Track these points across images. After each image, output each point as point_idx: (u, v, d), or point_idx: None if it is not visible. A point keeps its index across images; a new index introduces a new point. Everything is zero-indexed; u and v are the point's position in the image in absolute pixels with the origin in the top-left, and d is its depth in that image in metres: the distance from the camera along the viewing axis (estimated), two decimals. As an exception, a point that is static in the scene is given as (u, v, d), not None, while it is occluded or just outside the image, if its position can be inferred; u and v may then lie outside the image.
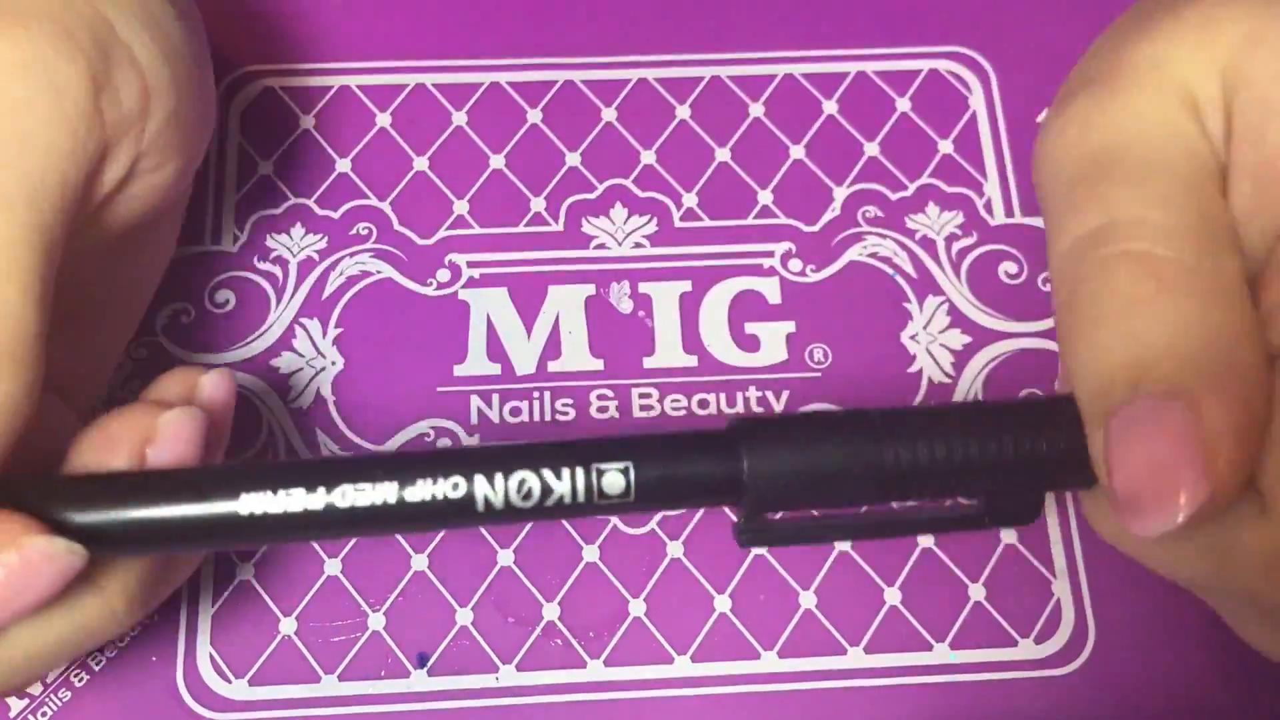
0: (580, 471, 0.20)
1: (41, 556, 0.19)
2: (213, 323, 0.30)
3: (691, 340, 0.31)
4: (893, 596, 0.28)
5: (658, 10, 0.34)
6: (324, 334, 0.30)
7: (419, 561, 0.28)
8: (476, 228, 0.31)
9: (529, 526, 0.29)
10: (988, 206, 0.32)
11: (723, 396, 0.30)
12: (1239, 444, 0.18)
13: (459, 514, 0.20)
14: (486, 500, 0.20)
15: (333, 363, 0.30)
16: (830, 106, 0.33)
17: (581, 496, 0.20)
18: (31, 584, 0.18)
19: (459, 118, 0.33)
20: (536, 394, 0.30)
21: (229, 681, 0.27)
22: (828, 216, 0.32)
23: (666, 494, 0.20)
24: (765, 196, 0.32)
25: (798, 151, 0.33)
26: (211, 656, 0.27)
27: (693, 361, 0.30)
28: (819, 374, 0.30)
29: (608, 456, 0.20)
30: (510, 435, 0.29)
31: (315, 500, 0.19)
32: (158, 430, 0.21)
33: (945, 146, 0.33)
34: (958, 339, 0.31)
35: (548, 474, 0.20)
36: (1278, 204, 0.19)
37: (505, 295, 0.31)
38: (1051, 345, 0.31)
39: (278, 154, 0.32)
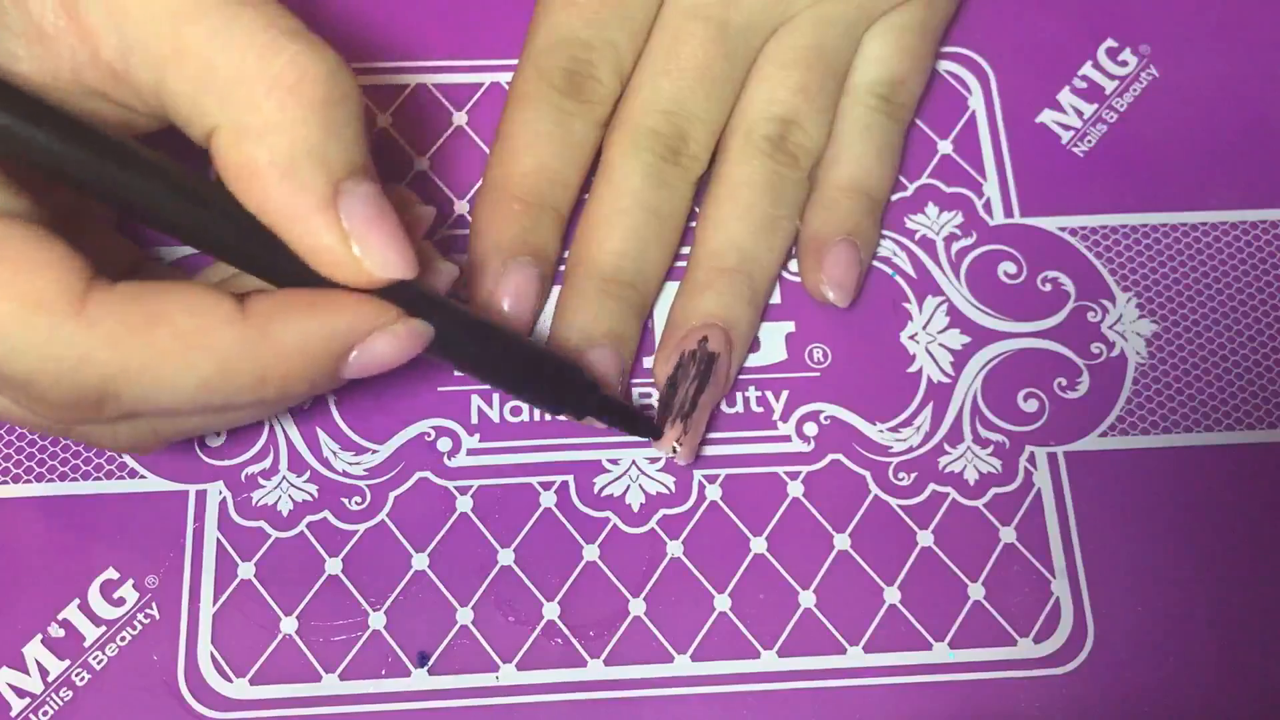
0: None
1: (418, 335, 0.23)
2: (213, 322, 0.30)
3: (691, 340, 0.31)
4: (892, 596, 0.28)
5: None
6: (324, 334, 0.30)
7: (419, 561, 0.28)
8: (477, 227, 0.31)
9: (529, 526, 0.29)
10: (987, 207, 0.32)
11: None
12: None
13: None
14: None
15: (333, 362, 0.30)
16: (830, 106, 0.33)
17: None
18: (405, 352, 0.23)
19: (459, 118, 0.33)
20: (537, 394, 0.30)
21: (230, 680, 0.27)
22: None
23: None
24: (765, 196, 0.32)
25: (797, 151, 0.33)
26: (213, 655, 0.27)
27: (693, 361, 0.30)
28: (819, 373, 0.30)
29: None
30: (510, 435, 0.29)
31: None
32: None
33: (945, 146, 0.33)
34: (957, 339, 0.31)
35: None
36: None
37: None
38: (1051, 345, 0.31)
39: (278, 154, 0.32)
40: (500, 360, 0.25)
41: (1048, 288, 0.31)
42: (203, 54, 0.20)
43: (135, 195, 0.20)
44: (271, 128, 0.21)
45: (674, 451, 0.28)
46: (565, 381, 0.26)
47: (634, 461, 0.29)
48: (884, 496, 0.29)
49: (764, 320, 0.31)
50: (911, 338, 0.31)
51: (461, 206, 0.32)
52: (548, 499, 0.29)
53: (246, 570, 0.28)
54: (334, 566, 0.28)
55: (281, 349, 0.21)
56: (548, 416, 0.30)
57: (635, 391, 0.30)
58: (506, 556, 0.28)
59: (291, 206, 0.21)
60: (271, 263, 0.22)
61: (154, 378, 0.21)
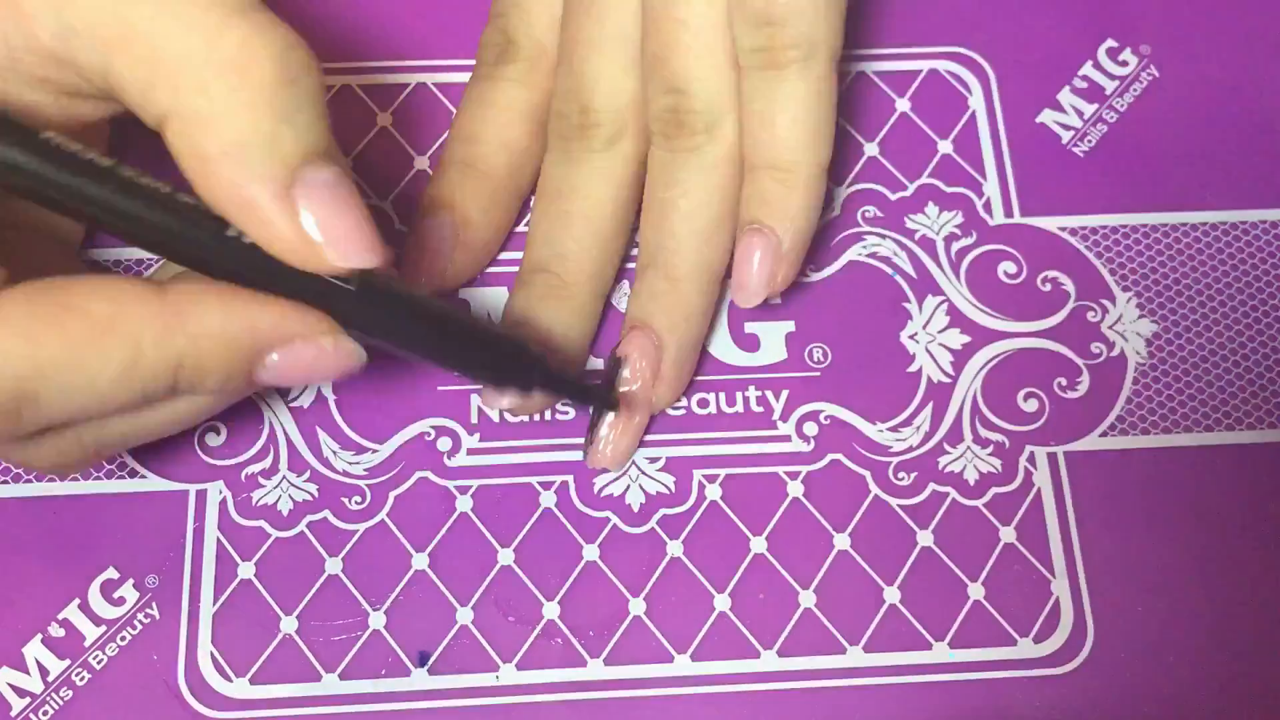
0: None
1: (346, 354, 0.22)
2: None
3: (691, 340, 0.31)
4: (892, 595, 0.28)
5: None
6: (324, 333, 0.30)
7: (420, 560, 0.28)
8: (477, 227, 0.31)
9: (529, 526, 0.29)
10: (987, 206, 0.32)
11: (722, 396, 0.30)
12: None
13: None
14: None
15: (333, 362, 0.30)
16: (830, 106, 0.33)
17: None
18: (329, 368, 0.22)
19: (459, 117, 0.33)
20: (537, 393, 0.30)
21: (230, 680, 0.27)
22: (828, 216, 0.32)
23: None
24: (765, 196, 0.32)
25: (798, 151, 0.32)
26: (213, 655, 0.27)
27: (693, 361, 0.30)
28: (819, 373, 0.30)
29: None
30: (510, 435, 0.29)
31: None
32: None
33: (945, 146, 0.33)
34: (957, 339, 0.31)
35: None
36: None
37: (505, 294, 0.31)
38: (1051, 345, 0.31)
39: (278, 153, 0.32)
40: (440, 337, 0.25)
41: (1048, 288, 0.31)
42: (149, 36, 0.20)
43: (77, 200, 0.20)
44: (221, 114, 0.20)
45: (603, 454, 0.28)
46: (508, 356, 0.26)
47: (634, 461, 0.29)
48: (884, 496, 0.29)
49: (764, 320, 0.31)
50: (911, 337, 0.31)
51: (461, 206, 0.32)
52: (548, 499, 0.29)
53: (247, 570, 0.28)
54: (334, 566, 0.28)
55: (198, 333, 0.21)
56: (536, 418, 0.30)
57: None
58: (506, 556, 0.28)
59: (245, 196, 0.20)
60: (230, 263, 0.21)
61: (70, 371, 0.20)
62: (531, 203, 0.31)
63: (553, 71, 0.30)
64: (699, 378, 0.30)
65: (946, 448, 0.30)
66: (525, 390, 0.27)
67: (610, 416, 0.28)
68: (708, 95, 0.27)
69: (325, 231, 0.21)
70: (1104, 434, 0.30)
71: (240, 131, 0.20)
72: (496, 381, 0.27)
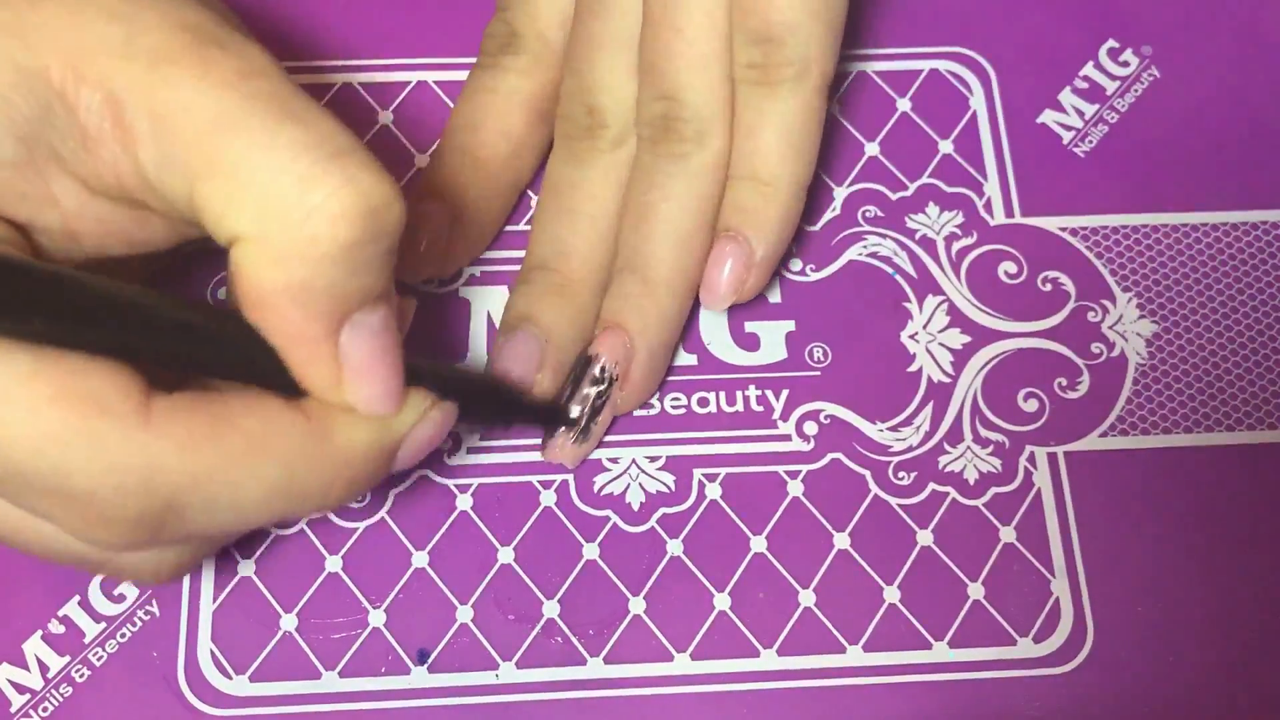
0: None
1: (450, 416, 0.24)
2: (214, 320, 0.30)
3: (691, 339, 0.31)
4: (892, 595, 0.28)
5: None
6: (325, 331, 0.30)
7: (419, 559, 0.28)
8: (478, 226, 0.31)
9: (529, 525, 0.29)
10: (987, 206, 0.32)
11: (722, 395, 0.30)
12: None
13: None
14: None
15: (334, 360, 0.30)
16: (831, 106, 0.33)
17: None
18: (438, 439, 0.23)
19: (460, 116, 0.33)
20: (537, 392, 0.30)
21: (230, 677, 0.27)
22: (828, 216, 0.32)
23: None
24: (766, 196, 0.32)
25: (798, 151, 0.33)
26: (213, 652, 0.27)
27: (692, 360, 0.30)
28: (819, 373, 0.30)
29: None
30: (510, 434, 0.30)
31: None
32: None
33: (945, 146, 0.33)
34: (957, 338, 0.31)
35: None
36: None
37: (507, 293, 0.31)
38: (1051, 345, 0.31)
39: (279, 152, 0.32)
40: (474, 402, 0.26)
41: (1048, 288, 0.31)
42: (238, 168, 0.19)
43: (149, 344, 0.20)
44: (293, 258, 0.19)
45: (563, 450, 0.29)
46: (501, 400, 0.27)
47: (634, 460, 0.29)
48: (884, 496, 0.29)
49: (764, 320, 0.31)
50: (912, 337, 0.31)
51: (462, 205, 0.32)
52: (548, 497, 0.29)
53: (247, 567, 0.28)
54: (334, 564, 0.28)
55: (344, 451, 0.21)
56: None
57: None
58: (506, 555, 0.28)
59: (295, 331, 0.20)
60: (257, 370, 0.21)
61: (222, 488, 0.20)
62: (535, 201, 0.31)
63: (555, 66, 0.30)
64: (699, 376, 0.30)
65: (946, 447, 0.30)
66: (507, 425, 0.28)
67: (573, 413, 0.28)
68: (699, 105, 0.28)
69: (356, 380, 0.21)
70: (1104, 434, 0.30)
71: (308, 277, 0.20)
72: (486, 423, 0.28)
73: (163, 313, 0.20)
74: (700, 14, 0.27)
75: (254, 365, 0.21)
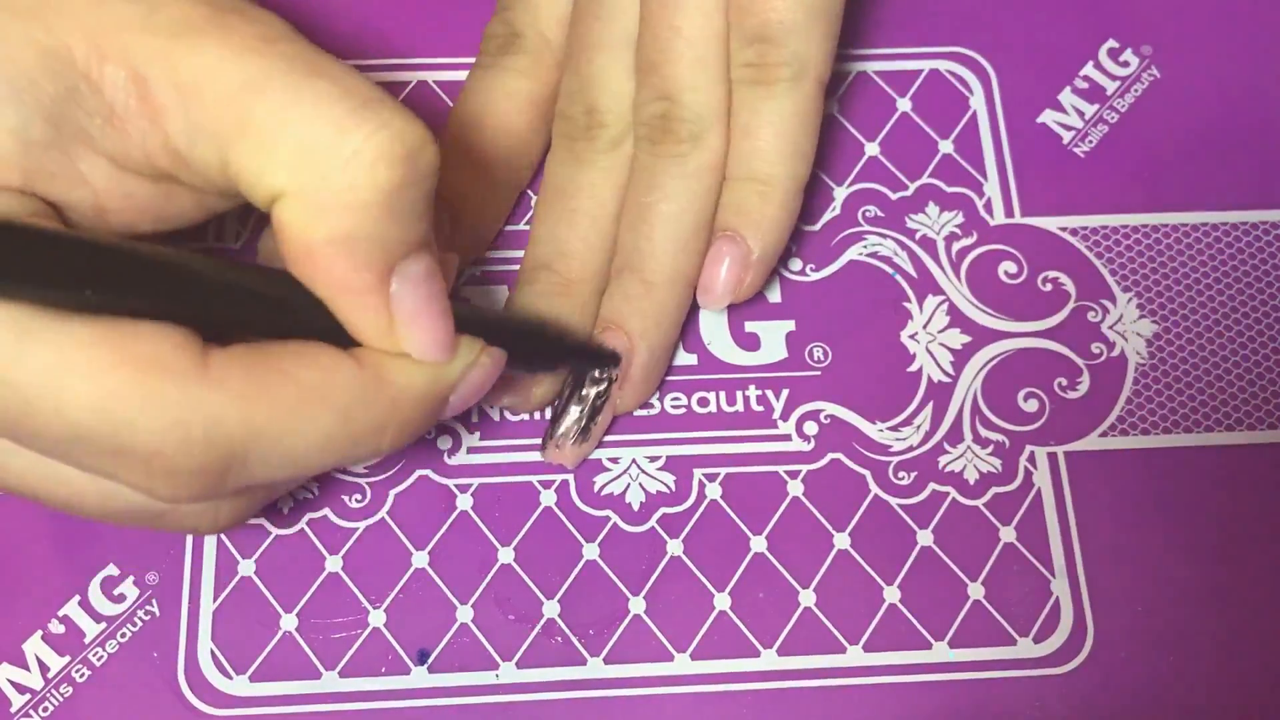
0: None
1: (499, 362, 0.23)
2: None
3: (692, 338, 0.31)
4: (892, 595, 0.28)
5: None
6: (325, 331, 0.30)
7: (419, 559, 0.28)
8: (478, 226, 0.31)
9: (529, 525, 0.29)
10: (988, 206, 0.32)
11: (722, 395, 0.30)
12: None
13: None
14: None
15: (334, 360, 0.30)
16: (831, 106, 0.33)
17: None
18: (489, 382, 0.23)
19: (460, 116, 0.33)
20: (537, 392, 0.30)
21: (230, 677, 0.27)
22: (828, 216, 0.32)
23: None
24: (766, 196, 0.32)
25: (798, 151, 0.33)
26: (213, 652, 0.27)
27: (693, 360, 0.30)
28: (819, 372, 0.30)
29: None
30: (511, 434, 0.30)
31: None
32: None
33: (945, 146, 0.33)
34: (957, 338, 0.31)
35: None
36: None
37: (507, 293, 0.31)
38: (1051, 345, 0.31)
39: (280, 152, 0.32)
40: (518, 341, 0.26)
41: (1048, 288, 0.31)
42: (271, 125, 0.19)
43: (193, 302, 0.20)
44: (336, 207, 0.20)
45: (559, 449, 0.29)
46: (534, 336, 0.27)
47: (634, 460, 0.29)
48: (884, 496, 0.29)
49: (764, 320, 0.31)
50: (912, 337, 0.31)
51: (462, 205, 0.32)
52: (548, 497, 0.29)
53: (247, 567, 0.28)
54: (334, 564, 0.28)
55: (399, 396, 0.21)
56: (536, 416, 0.30)
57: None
58: (506, 555, 0.28)
59: (343, 283, 0.20)
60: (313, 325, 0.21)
61: (282, 436, 0.20)
62: (535, 201, 0.31)
63: (555, 66, 0.30)
64: (699, 376, 0.30)
65: (946, 447, 0.30)
66: (551, 369, 0.28)
67: (573, 413, 0.28)
68: (697, 105, 0.28)
69: (407, 328, 0.21)
70: (1104, 434, 0.30)
71: (353, 226, 0.20)
72: (531, 367, 0.28)
73: (211, 275, 0.20)
74: (698, 14, 0.27)
75: (304, 320, 0.21)
